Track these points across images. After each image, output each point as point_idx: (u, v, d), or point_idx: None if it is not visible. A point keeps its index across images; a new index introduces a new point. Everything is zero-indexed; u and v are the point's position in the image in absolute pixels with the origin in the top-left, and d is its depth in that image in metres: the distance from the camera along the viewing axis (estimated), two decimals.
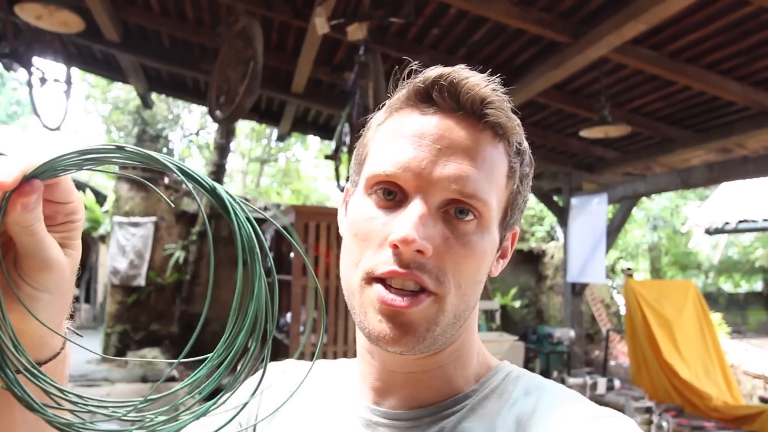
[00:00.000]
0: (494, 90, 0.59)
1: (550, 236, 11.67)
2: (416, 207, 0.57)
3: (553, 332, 6.95)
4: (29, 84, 4.68)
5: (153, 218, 8.81)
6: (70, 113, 4.94)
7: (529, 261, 11.14)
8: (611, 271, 11.17)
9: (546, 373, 5.20)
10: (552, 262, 10.89)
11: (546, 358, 6.84)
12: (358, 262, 0.60)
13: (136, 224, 8.69)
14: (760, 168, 4.94)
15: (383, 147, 0.62)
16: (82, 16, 3.85)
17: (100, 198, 11.90)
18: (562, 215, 6.82)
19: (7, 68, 4.82)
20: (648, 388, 5.58)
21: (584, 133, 4.70)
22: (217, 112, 4.29)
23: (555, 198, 7.11)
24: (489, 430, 0.59)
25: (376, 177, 0.60)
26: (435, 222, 0.57)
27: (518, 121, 0.63)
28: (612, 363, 8.47)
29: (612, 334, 8.91)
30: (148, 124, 9.91)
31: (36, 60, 4.64)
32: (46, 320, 0.46)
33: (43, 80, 4.70)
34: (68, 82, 4.78)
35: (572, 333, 6.81)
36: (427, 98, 0.61)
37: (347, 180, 0.71)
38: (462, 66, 0.60)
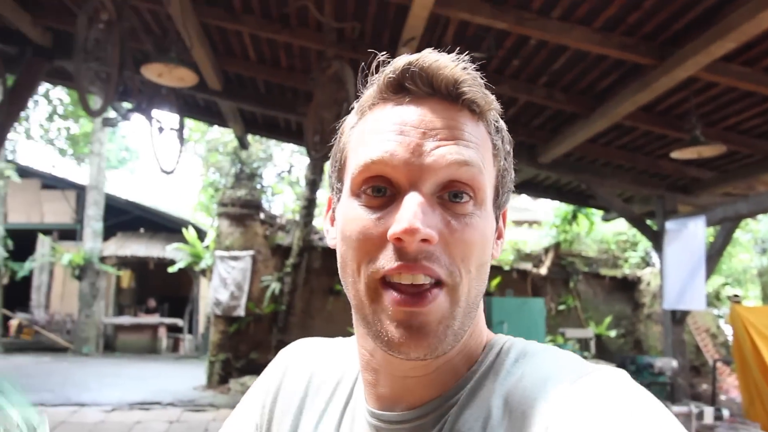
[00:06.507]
0: (465, 69, 0.59)
1: (645, 262, 11.14)
2: (413, 197, 0.55)
3: (653, 362, 6.62)
4: (150, 133, 5.28)
5: (251, 252, 9.35)
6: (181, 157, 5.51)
7: (624, 288, 10.68)
8: (715, 298, 10.47)
9: None
10: (649, 289, 10.37)
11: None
12: (359, 268, 0.57)
13: (235, 258, 9.26)
14: None
15: (364, 144, 0.59)
16: (194, 71, 4.34)
17: (201, 234, 12.78)
18: (657, 240, 6.56)
19: (124, 118, 5.46)
20: (764, 423, 5.18)
21: (675, 154, 4.59)
22: (312, 151, 4.62)
23: (648, 222, 6.88)
24: (485, 411, 0.58)
25: (363, 173, 0.58)
26: (433, 209, 0.55)
27: (493, 97, 0.61)
28: (723, 397, 7.89)
29: (720, 365, 8.32)
30: (244, 163, 10.60)
31: (155, 112, 5.24)
32: None
33: (161, 129, 5.28)
34: (181, 129, 5.33)
35: (675, 363, 6.45)
36: (399, 88, 0.59)
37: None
38: (429, 50, 0.59)
